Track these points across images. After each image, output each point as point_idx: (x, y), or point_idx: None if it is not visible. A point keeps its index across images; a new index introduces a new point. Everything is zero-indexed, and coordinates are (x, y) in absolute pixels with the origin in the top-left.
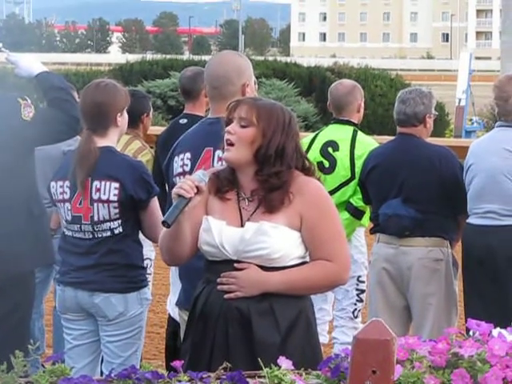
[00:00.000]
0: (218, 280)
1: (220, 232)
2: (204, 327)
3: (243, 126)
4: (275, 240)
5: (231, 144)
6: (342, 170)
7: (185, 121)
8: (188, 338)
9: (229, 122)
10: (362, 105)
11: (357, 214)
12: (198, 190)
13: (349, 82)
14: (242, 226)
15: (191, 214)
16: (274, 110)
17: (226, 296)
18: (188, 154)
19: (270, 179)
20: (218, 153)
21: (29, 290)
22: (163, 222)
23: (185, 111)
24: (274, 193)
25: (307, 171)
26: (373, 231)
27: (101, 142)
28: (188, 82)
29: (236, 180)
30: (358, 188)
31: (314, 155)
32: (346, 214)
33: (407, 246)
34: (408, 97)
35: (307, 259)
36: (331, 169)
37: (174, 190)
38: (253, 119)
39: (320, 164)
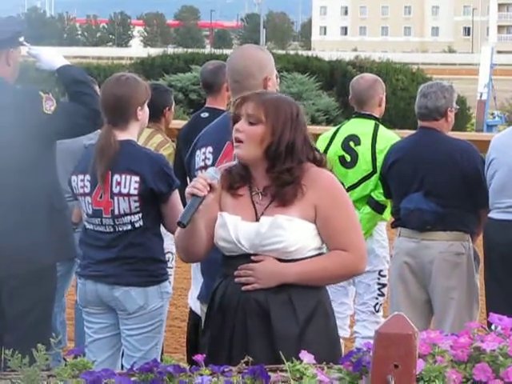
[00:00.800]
0: (236, 272)
1: (235, 227)
2: (222, 320)
3: (251, 123)
4: (291, 233)
5: (240, 141)
6: (364, 164)
7: (206, 114)
8: (207, 332)
9: (236, 117)
10: (384, 99)
11: (378, 208)
12: (211, 188)
13: (370, 75)
14: (257, 220)
15: (205, 212)
16: (282, 104)
17: (243, 288)
18: (210, 148)
19: (281, 176)
20: None
21: (50, 283)
22: (178, 223)
23: (206, 105)
24: (287, 187)
25: (318, 162)
26: (394, 225)
27: (121, 136)
28: (210, 75)
29: (248, 175)
30: (379, 182)
31: (336, 149)
32: (368, 208)
33: (429, 239)
34: (429, 91)
35: (324, 250)
36: (353, 163)
37: (187, 190)
38: (261, 116)
39: (342, 158)
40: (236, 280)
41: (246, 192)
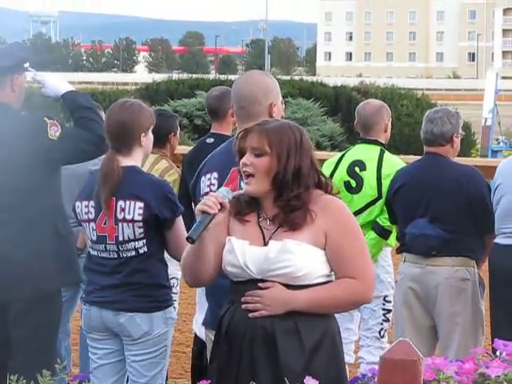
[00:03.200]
0: (243, 299)
1: (243, 252)
2: (229, 347)
3: (257, 155)
4: (300, 258)
5: (250, 175)
6: (369, 190)
7: (212, 140)
8: (214, 361)
9: (240, 151)
10: (389, 125)
11: (383, 233)
12: (222, 207)
13: (376, 101)
14: (265, 244)
15: (214, 236)
16: (284, 132)
17: (250, 315)
18: (215, 174)
19: (289, 202)
20: None
21: (55, 308)
22: (187, 238)
23: (212, 130)
24: (295, 213)
25: (325, 187)
26: (399, 251)
27: (125, 162)
28: (215, 101)
29: (256, 203)
30: (384, 208)
31: (341, 175)
32: (373, 234)
33: (434, 265)
34: (435, 116)
35: (332, 278)
36: (358, 188)
37: (198, 207)
38: (265, 147)
39: (347, 183)
40: (243, 306)
41: (254, 218)
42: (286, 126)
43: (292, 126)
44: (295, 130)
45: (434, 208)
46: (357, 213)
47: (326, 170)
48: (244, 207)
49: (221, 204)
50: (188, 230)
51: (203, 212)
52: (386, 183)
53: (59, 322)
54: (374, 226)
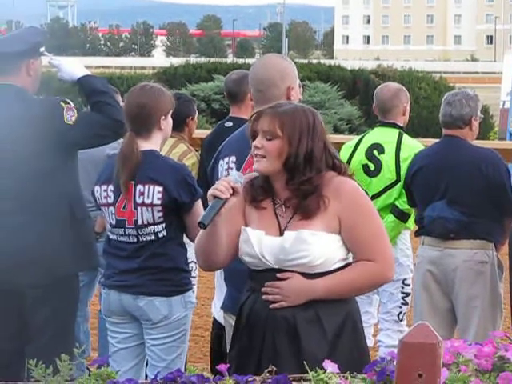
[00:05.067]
0: (263, 289)
1: (259, 242)
2: (251, 335)
3: (269, 139)
4: (315, 247)
5: (262, 157)
6: (388, 173)
7: (230, 124)
8: (235, 347)
9: (253, 133)
10: (408, 108)
11: (402, 216)
12: (234, 191)
13: (394, 84)
14: (281, 234)
15: (229, 221)
16: (296, 115)
17: (271, 306)
18: (233, 158)
19: (301, 187)
20: None
21: (73, 293)
22: (199, 223)
23: (230, 114)
24: (308, 198)
25: (339, 170)
26: (418, 234)
27: (144, 146)
28: (233, 85)
29: (270, 187)
30: (403, 191)
31: (360, 158)
32: (392, 217)
33: (452, 248)
34: (454, 99)
35: (350, 259)
36: (377, 171)
37: (210, 192)
38: (277, 131)
39: (365, 166)
40: (263, 297)
41: (270, 205)
42: (300, 108)
43: (305, 108)
44: (308, 112)
45: (453, 191)
46: (375, 196)
47: (345, 153)
48: (259, 193)
49: (233, 189)
50: None
51: (215, 197)
52: (404, 166)
53: (77, 307)
54: (392, 209)
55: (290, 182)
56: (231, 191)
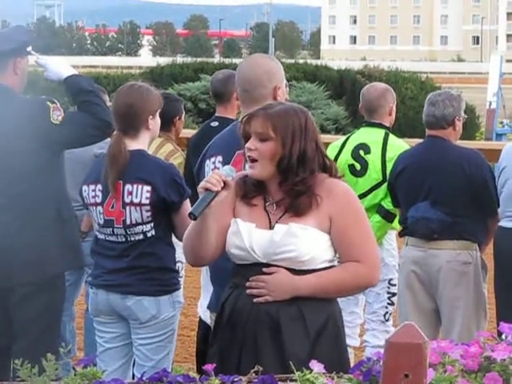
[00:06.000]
0: (247, 284)
1: (249, 234)
2: (232, 332)
3: (262, 140)
4: (305, 242)
5: (254, 160)
6: (374, 173)
7: (216, 124)
8: (216, 343)
9: (245, 135)
10: (394, 108)
11: (388, 216)
12: (225, 185)
13: (381, 85)
14: (271, 228)
15: (219, 215)
16: (289, 116)
17: (255, 300)
18: (219, 157)
19: (295, 187)
20: None
21: (59, 292)
22: (189, 214)
23: (216, 114)
24: (301, 197)
25: (329, 171)
26: (401, 234)
27: (132, 145)
28: (219, 84)
29: (263, 186)
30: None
31: (346, 158)
32: (378, 217)
33: (436, 248)
34: (437, 99)
35: (335, 263)
36: (363, 171)
37: (201, 184)
38: (269, 132)
39: (352, 167)
40: (248, 292)
41: (260, 202)
42: (291, 109)
43: (297, 109)
44: (300, 113)
45: (436, 191)
46: (361, 196)
47: (331, 153)
48: (251, 190)
49: (224, 182)
50: None
51: (206, 189)
52: (390, 166)
53: (62, 306)
54: (378, 209)
55: (283, 184)
56: (222, 184)
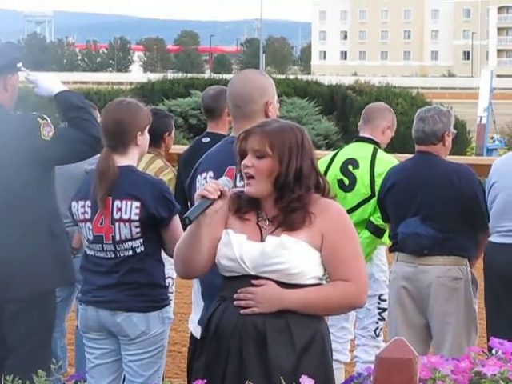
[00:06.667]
0: (235, 296)
1: (240, 246)
2: (218, 344)
3: (259, 157)
4: (295, 255)
5: (251, 177)
6: (362, 188)
7: (207, 139)
8: (202, 356)
9: (241, 152)
10: (390, 133)
11: (377, 232)
12: (222, 194)
13: (386, 105)
14: (263, 241)
15: (211, 227)
16: (286, 133)
17: (242, 311)
18: (211, 173)
19: (290, 204)
20: None
21: (50, 308)
22: (185, 217)
23: (207, 130)
24: (294, 214)
25: (323, 190)
26: (392, 250)
27: (120, 161)
28: (211, 100)
29: (256, 202)
30: (377, 205)
31: (335, 173)
32: (367, 233)
33: (426, 264)
34: (426, 115)
35: (324, 282)
36: (351, 186)
37: (198, 192)
38: (266, 150)
39: (340, 182)
40: (235, 303)
41: (253, 217)
42: (287, 127)
43: (293, 126)
44: (296, 130)
45: (426, 207)
46: (350, 211)
47: (320, 168)
48: (244, 205)
49: (221, 192)
50: (184, 229)
51: (203, 196)
52: (378, 181)
53: (54, 322)
54: (367, 224)
55: (279, 201)
56: (219, 193)
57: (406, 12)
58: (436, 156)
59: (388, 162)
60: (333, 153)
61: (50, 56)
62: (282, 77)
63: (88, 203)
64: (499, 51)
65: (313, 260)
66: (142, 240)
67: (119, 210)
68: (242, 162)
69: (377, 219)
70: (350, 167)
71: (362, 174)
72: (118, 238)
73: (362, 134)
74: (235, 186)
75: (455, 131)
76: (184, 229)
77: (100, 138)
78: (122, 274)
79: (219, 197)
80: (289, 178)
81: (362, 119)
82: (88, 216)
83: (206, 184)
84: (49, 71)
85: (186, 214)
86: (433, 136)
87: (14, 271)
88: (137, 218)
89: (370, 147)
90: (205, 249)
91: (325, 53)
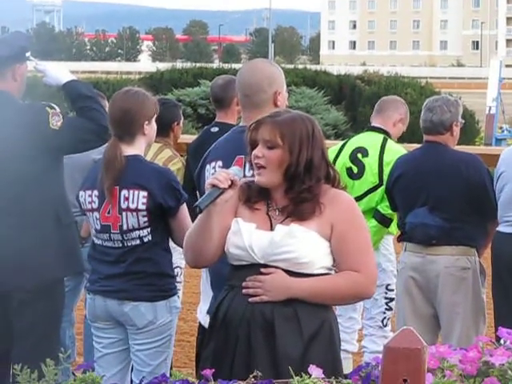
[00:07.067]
0: (244, 284)
1: (250, 234)
2: (226, 332)
3: (269, 148)
4: (304, 244)
5: (262, 167)
6: (371, 176)
7: (216, 129)
8: (210, 344)
9: (252, 142)
10: (402, 127)
11: (384, 221)
12: (232, 183)
13: (398, 98)
14: (272, 230)
15: (221, 217)
16: (296, 124)
17: (250, 299)
18: (220, 163)
19: (301, 195)
20: None
21: (58, 298)
22: (195, 206)
23: (216, 119)
24: (305, 204)
25: (333, 181)
26: (400, 240)
27: (128, 151)
28: (220, 90)
29: (267, 192)
30: (385, 195)
31: (344, 161)
32: (374, 222)
33: (434, 254)
34: (434, 105)
35: (333, 273)
36: (359, 174)
37: (209, 181)
38: (277, 140)
39: (349, 170)
40: (244, 291)
41: (263, 207)
42: (298, 117)
43: (304, 117)
44: (307, 121)
45: (434, 197)
46: (357, 199)
47: (329, 156)
48: (254, 195)
49: (231, 181)
50: (192, 219)
51: (213, 186)
52: (387, 170)
53: (62, 312)
54: (374, 213)
55: (289, 191)
56: (230, 183)
57: (415, 1)
58: (444, 145)
59: (397, 151)
60: (342, 142)
61: (58, 45)
62: (291, 66)
63: (95, 192)
64: (508, 41)
65: (322, 250)
66: (149, 229)
67: (126, 199)
68: (253, 152)
69: (384, 208)
70: (360, 155)
71: (370, 162)
72: (125, 227)
73: (373, 124)
74: (244, 176)
75: (463, 121)
76: (193, 218)
77: (108, 128)
78: (130, 264)
79: (230, 186)
80: (299, 169)
81: (374, 110)
82: (95, 205)
83: (216, 173)
84: (57, 60)
85: (197, 203)
86: (441, 126)
87: (22, 260)
88: (144, 207)
89: (380, 136)
90: (215, 238)
91: (334, 42)
